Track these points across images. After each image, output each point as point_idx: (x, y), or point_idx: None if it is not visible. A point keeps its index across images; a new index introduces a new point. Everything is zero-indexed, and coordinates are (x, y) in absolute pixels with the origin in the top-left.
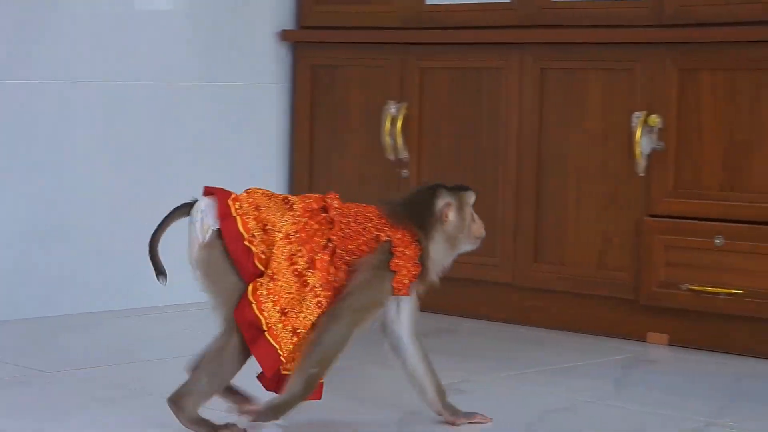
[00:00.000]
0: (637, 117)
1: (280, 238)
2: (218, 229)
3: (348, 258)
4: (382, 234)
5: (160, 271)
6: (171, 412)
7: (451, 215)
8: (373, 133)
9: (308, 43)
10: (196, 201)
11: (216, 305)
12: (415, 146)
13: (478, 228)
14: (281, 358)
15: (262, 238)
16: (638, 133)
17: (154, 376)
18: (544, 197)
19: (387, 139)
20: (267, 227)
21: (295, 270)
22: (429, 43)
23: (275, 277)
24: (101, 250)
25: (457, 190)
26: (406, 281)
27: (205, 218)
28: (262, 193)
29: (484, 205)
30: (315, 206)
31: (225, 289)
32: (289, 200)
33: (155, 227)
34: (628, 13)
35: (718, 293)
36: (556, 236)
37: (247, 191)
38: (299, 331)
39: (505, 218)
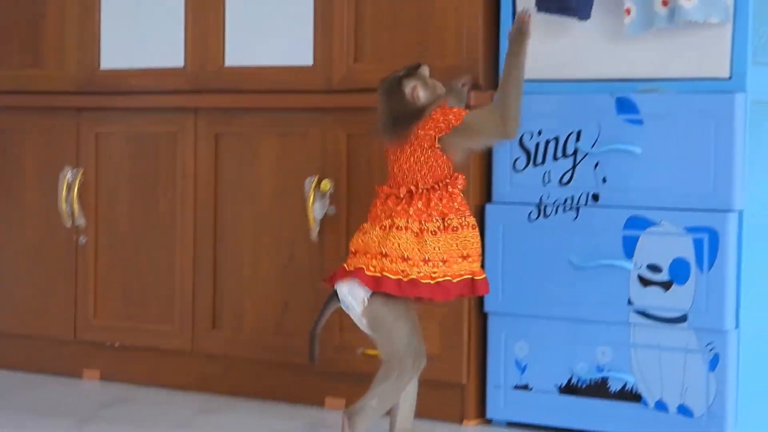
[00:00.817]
0: (310, 182)
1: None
2: (371, 293)
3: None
4: None
5: (313, 357)
6: (343, 424)
7: (421, 93)
8: (50, 199)
9: None
10: (335, 291)
11: (385, 344)
12: (92, 212)
13: (440, 88)
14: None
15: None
16: (311, 198)
17: None
18: (221, 262)
19: (63, 206)
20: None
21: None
22: (104, 108)
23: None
24: None
25: (413, 70)
26: None
27: (353, 295)
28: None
29: (161, 270)
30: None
31: (395, 323)
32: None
33: (317, 319)
34: (299, 79)
35: None
36: (233, 302)
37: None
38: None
39: (183, 284)
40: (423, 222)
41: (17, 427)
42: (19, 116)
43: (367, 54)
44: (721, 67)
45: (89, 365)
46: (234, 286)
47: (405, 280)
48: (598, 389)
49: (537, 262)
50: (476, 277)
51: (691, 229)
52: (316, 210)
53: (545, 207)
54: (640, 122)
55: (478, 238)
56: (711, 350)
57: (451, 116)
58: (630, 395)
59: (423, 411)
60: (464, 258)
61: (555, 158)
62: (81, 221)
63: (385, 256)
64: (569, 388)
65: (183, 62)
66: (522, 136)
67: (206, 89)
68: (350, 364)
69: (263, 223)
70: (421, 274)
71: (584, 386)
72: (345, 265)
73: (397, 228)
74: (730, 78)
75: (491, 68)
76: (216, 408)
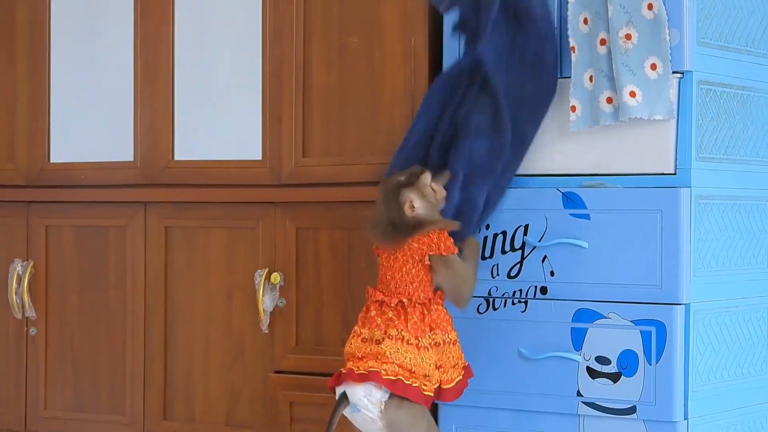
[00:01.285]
0: (260, 274)
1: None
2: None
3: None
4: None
5: None
6: None
7: (418, 206)
8: (0, 291)
9: None
10: (344, 392)
11: None
12: (42, 304)
13: (441, 193)
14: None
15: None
16: (261, 290)
17: None
18: (171, 353)
19: (14, 298)
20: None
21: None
22: (53, 201)
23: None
24: None
25: (413, 178)
26: None
27: (370, 398)
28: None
29: (112, 361)
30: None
31: (415, 421)
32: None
33: (329, 424)
34: (249, 173)
35: None
36: (184, 392)
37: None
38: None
39: (134, 375)
40: (419, 338)
41: None
42: None
43: (315, 148)
44: (666, 163)
45: None
46: (185, 377)
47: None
48: None
49: (486, 353)
50: (444, 386)
51: (638, 322)
52: (266, 302)
53: (494, 300)
54: (587, 216)
55: (458, 352)
56: None
57: (445, 243)
58: None
59: None
60: (437, 368)
61: (503, 251)
62: (31, 313)
63: (401, 366)
64: None
65: (132, 156)
66: None
67: (156, 183)
68: None
69: (213, 314)
70: (426, 387)
71: None
72: (352, 369)
73: (407, 342)
74: (674, 173)
75: None
76: None
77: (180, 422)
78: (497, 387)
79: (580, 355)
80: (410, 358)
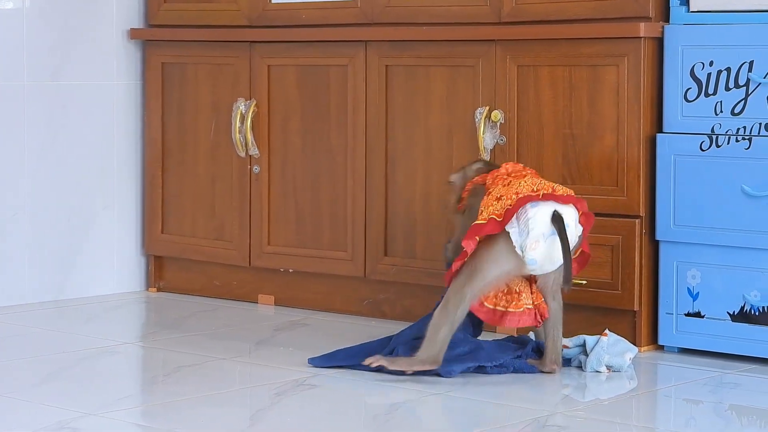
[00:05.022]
0: (480, 112)
1: None
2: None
3: None
4: None
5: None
6: None
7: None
8: (223, 130)
9: (157, 41)
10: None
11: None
12: (264, 143)
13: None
14: None
15: None
16: (481, 128)
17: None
18: (392, 191)
19: (237, 136)
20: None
21: None
22: (275, 41)
23: None
24: None
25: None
26: None
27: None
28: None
29: (334, 199)
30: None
31: None
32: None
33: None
34: (468, 11)
35: None
36: (405, 230)
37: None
38: None
39: (355, 213)
40: None
41: (199, 348)
42: (195, 49)
43: None
44: None
45: (264, 291)
46: (405, 214)
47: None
48: None
49: (709, 191)
50: None
51: None
52: (486, 140)
53: (717, 137)
54: None
55: None
56: None
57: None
58: None
59: None
60: None
61: (727, 89)
62: (254, 151)
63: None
64: (742, 316)
65: None
66: (693, 66)
67: (376, 22)
68: None
69: (433, 152)
70: None
71: (757, 314)
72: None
73: None
74: None
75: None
76: (387, 332)
77: (401, 258)
78: (719, 224)
79: None
80: None
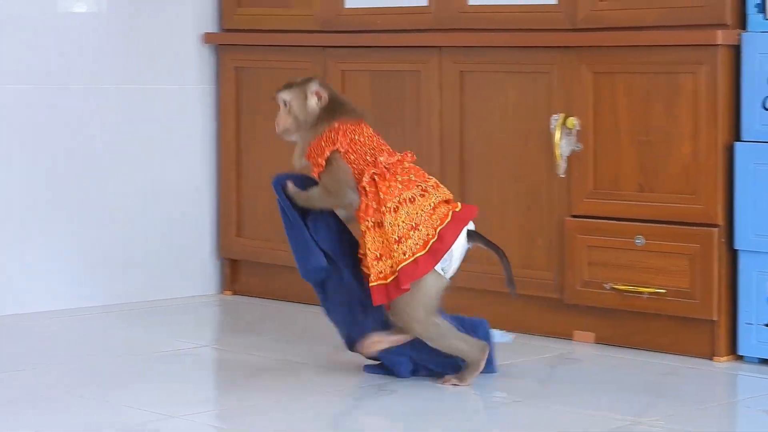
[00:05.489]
0: (556, 119)
1: None
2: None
3: None
4: None
5: None
6: None
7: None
8: None
9: (231, 46)
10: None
11: None
12: None
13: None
14: None
15: None
16: (557, 135)
17: None
18: (468, 199)
19: None
20: None
21: None
22: (348, 46)
23: None
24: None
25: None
26: None
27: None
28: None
29: None
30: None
31: None
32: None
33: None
34: (542, 17)
35: (641, 292)
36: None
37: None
38: None
39: None
40: None
41: (276, 352)
42: (268, 54)
43: None
44: None
45: None
46: (481, 221)
47: None
48: None
49: None
50: None
51: None
52: (562, 147)
53: None
54: None
55: None
56: None
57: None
58: None
59: (673, 346)
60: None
61: None
62: None
63: None
64: None
65: (426, 1)
66: None
67: (450, 28)
68: (598, 298)
69: (509, 159)
70: None
71: None
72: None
73: None
74: None
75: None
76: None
77: (476, 263)
78: None
79: None
80: None
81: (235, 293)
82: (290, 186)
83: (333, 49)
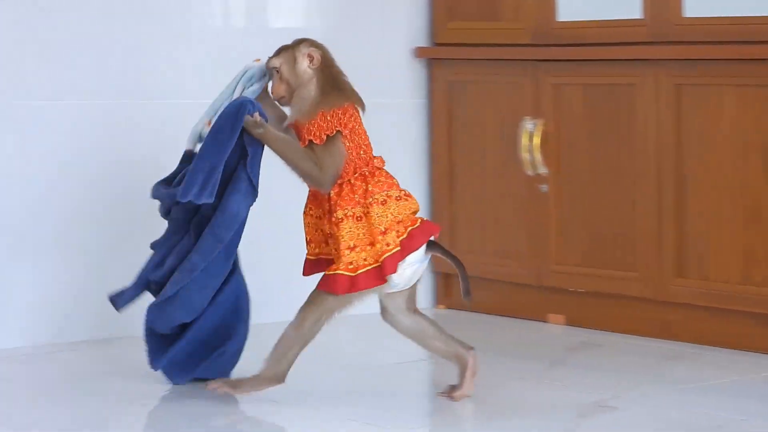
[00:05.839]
0: None
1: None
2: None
3: None
4: None
5: None
6: None
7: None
8: (509, 148)
9: (443, 60)
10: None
11: None
12: (553, 162)
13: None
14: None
15: None
16: None
17: None
18: (685, 211)
19: (525, 155)
20: None
21: None
22: (561, 59)
23: None
24: None
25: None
26: None
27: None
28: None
29: (623, 219)
30: None
31: None
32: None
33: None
34: (761, 29)
35: None
36: (698, 251)
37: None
38: None
39: (646, 233)
40: None
41: (490, 367)
42: (480, 68)
43: None
44: None
45: (554, 310)
46: (698, 235)
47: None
48: None
49: None
50: None
51: None
52: None
53: None
54: None
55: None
56: None
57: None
58: None
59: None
60: None
61: None
62: (542, 170)
63: None
64: None
65: (641, 13)
66: None
67: (666, 41)
68: None
69: (727, 173)
70: None
71: None
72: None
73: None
74: None
75: None
76: (679, 355)
77: (694, 279)
78: None
79: None
80: None
81: (448, 307)
82: (258, 118)
83: (545, 63)
